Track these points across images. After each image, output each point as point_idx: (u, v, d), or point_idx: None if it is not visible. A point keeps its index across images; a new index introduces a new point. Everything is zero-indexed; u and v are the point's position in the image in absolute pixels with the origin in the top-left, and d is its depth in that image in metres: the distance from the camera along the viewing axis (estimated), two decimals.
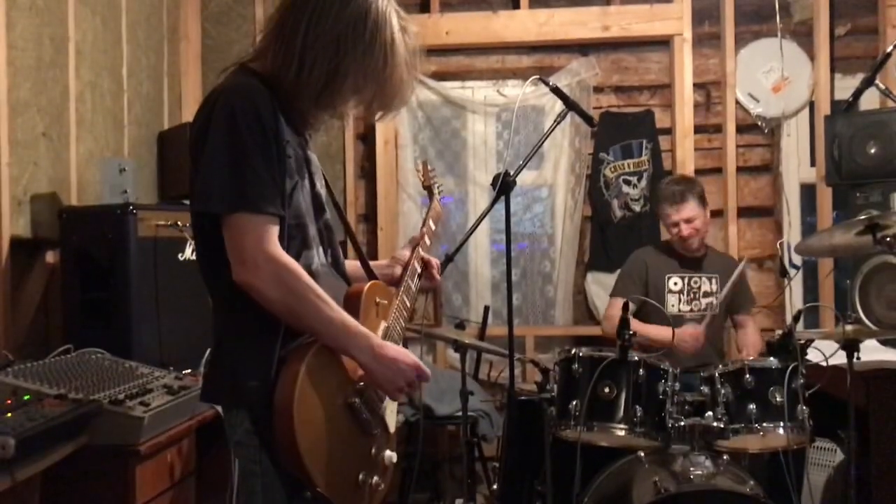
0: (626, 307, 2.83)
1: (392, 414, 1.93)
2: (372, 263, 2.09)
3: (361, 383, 1.79)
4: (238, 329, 1.74)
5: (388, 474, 1.92)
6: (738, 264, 3.84)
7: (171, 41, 4.24)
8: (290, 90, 1.75)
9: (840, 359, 2.82)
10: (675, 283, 3.77)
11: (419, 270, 2.15)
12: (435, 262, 2.19)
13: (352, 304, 1.86)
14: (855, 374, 2.78)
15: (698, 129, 4.49)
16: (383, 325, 1.94)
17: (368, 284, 1.94)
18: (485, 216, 2.81)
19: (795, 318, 2.94)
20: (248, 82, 1.73)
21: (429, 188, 2.41)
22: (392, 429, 1.94)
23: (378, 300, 1.94)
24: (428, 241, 2.21)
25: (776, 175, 4.55)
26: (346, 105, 1.83)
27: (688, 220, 3.70)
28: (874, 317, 3.51)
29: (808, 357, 2.87)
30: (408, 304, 2.04)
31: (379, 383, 1.78)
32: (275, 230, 1.68)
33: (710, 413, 2.80)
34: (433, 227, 2.28)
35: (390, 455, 1.90)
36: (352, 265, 2.04)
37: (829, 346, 2.86)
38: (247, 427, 1.70)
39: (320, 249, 1.84)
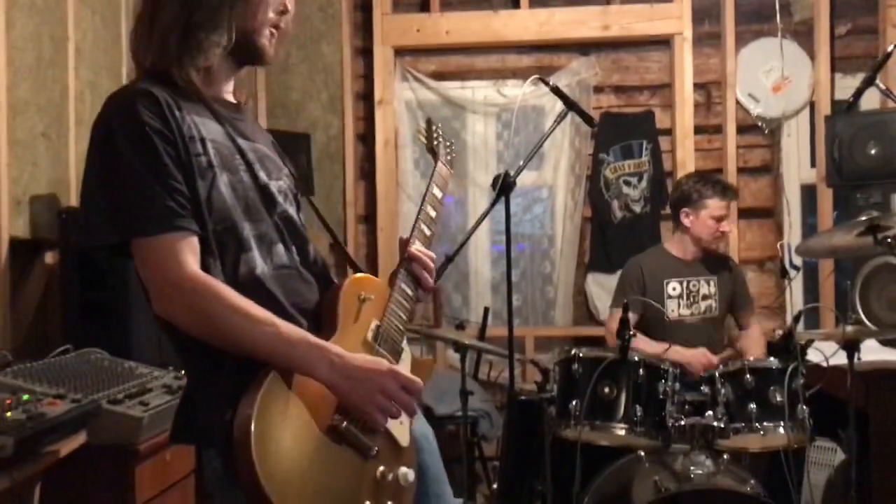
0: (626, 308, 2.82)
1: (402, 425, 1.67)
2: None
3: None
4: (201, 363, 1.54)
5: (407, 494, 1.66)
6: (734, 265, 3.83)
7: None
8: (170, 63, 1.56)
9: (840, 359, 2.82)
10: (674, 288, 3.72)
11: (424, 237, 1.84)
12: (428, 260, 1.80)
13: (328, 304, 1.64)
14: (855, 374, 2.78)
15: (698, 130, 4.48)
16: (374, 323, 1.67)
17: (350, 279, 1.69)
18: (485, 217, 2.80)
19: (796, 319, 2.94)
20: (131, 88, 1.57)
21: (432, 150, 2.04)
22: (404, 442, 1.67)
23: (364, 295, 1.67)
24: (433, 212, 1.89)
25: (776, 176, 4.54)
26: (221, 28, 1.57)
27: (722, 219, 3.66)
28: (875, 317, 3.51)
29: (808, 357, 2.87)
30: (410, 294, 1.76)
31: (349, 402, 1.52)
32: (179, 248, 1.47)
33: (710, 412, 2.80)
34: (439, 195, 1.93)
35: (405, 472, 1.63)
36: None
37: (830, 346, 2.86)
38: (216, 466, 1.53)
39: (278, 248, 1.62)
